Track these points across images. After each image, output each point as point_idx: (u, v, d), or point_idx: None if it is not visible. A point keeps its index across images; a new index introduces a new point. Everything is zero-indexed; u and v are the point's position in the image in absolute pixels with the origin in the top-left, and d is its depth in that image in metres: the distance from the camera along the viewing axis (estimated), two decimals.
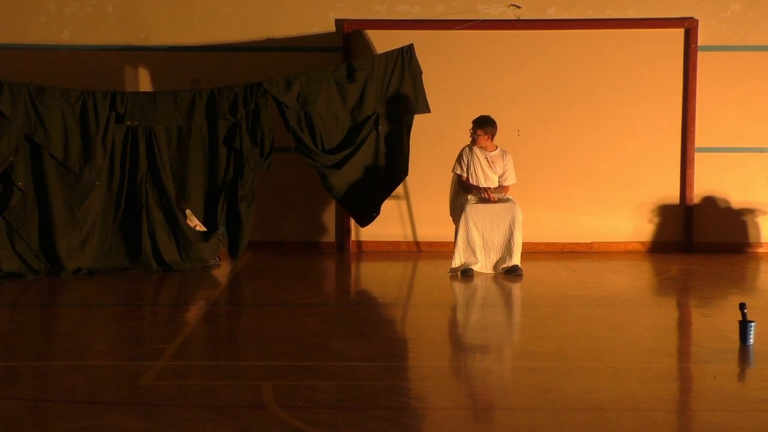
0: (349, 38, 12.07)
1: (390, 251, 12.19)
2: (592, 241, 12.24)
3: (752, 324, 7.33)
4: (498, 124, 10.84)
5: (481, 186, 10.62)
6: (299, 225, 12.30)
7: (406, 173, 11.51)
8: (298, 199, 12.23)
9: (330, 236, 12.33)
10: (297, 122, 11.15)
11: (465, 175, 10.70)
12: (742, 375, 6.83)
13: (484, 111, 10.94)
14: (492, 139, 10.71)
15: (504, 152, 10.79)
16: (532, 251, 11.70)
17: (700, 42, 12.07)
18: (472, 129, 10.69)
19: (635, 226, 12.24)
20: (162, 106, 10.88)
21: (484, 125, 10.66)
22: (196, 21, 12.16)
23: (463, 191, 10.73)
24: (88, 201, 10.65)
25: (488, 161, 10.70)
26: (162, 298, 10.08)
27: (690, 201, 12.19)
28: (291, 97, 11.06)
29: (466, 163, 10.71)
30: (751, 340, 7.31)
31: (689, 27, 12.05)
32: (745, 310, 7.37)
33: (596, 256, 11.97)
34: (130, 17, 12.14)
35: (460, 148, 10.76)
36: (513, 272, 10.36)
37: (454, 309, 9.35)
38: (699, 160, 12.18)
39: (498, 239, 10.45)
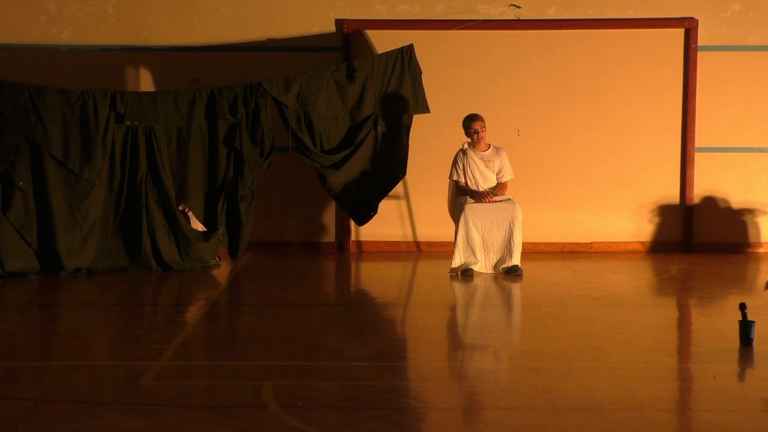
0: (348, 38, 12.06)
1: (390, 251, 12.19)
2: (592, 241, 12.24)
3: (752, 324, 7.32)
4: (498, 124, 10.84)
5: (480, 190, 10.60)
6: (299, 225, 12.30)
7: (404, 173, 11.52)
8: (298, 199, 12.23)
9: (330, 236, 12.33)
10: (296, 122, 11.15)
11: (463, 180, 10.69)
12: (742, 375, 6.83)
13: (484, 111, 10.93)
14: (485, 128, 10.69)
15: (498, 149, 10.77)
16: (532, 251, 11.70)
17: (700, 42, 12.07)
18: (470, 129, 10.62)
19: (635, 226, 12.24)
20: (162, 106, 10.88)
21: (477, 117, 10.63)
22: (196, 21, 12.16)
23: (461, 195, 10.70)
24: (88, 201, 10.65)
25: (484, 161, 10.69)
26: (162, 298, 10.08)
27: (690, 201, 12.19)
28: (291, 97, 11.07)
29: (462, 167, 10.68)
30: (752, 341, 7.31)
31: (689, 27, 12.05)
32: (746, 311, 7.36)
33: (596, 256, 11.96)
34: (130, 17, 12.14)
35: (455, 153, 10.74)
36: (513, 272, 10.36)
37: (454, 309, 9.35)
38: (699, 160, 12.18)
39: (498, 239, 10.44)
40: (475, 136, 10.63)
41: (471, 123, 10.65)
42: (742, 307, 7.34)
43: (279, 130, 11.18)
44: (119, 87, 11.68)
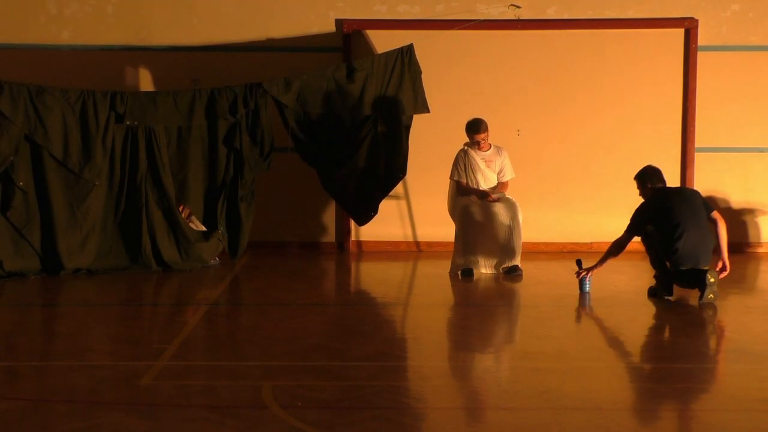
0: (348, 38, 12.06)
1: (390, 251, 12.18)
2: (592, 241, 12.22)
3: (586, 278, 9.20)
4: (497, 124, 10.82)
5: (480, 189, 10.60)
6: (299, 225, 12.30)
7: (404, 173, 11.50)
8: (298, 199, 12.22)
9: (330, 236, 12.33)
10: (296, 122, 11.16)
11: (464, 180, 10.68)
12: (742, 375, 6.82)
13: (484, 111, 10.93)
14: (487, 137, 10.70)
15: (499, 149, 10.77)
16: (532, 251, 11.70)
17: (700, 42, 12.06)
18: (472, 140, 10.61)
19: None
20: (162, 106, 10.88)
21: (479, 129, 10.60)
22: (196, 21, 12.15)
23: (462, 195, 10.70)
24: (88, 201, 10.65)
25: (485, 161, 10.69)
26: (162, 298, 10.08)
27: None
28: (290, 97, 11.07)
29: (463, 167, 10.68)
30: (587, 288, 9.20)
31: (689, 27, 12.04)
32: (581, 265, 9.30)
33: (596, 256, 11.91)
34: (130, 17, 12.13)
35: (456, 152, 10.74)
36: (513, 272, 10.35)
37: (454, 309, 9.35)
38: (699, 160, 12.17)
39: (498, 239, 10.43)
40: (476, 146, 10.64)
41: (473, 135, 10.61)
42: (578, 263, 9.36)
43: (279, 130, 11.18)
44: (119, 87, 11.67)
